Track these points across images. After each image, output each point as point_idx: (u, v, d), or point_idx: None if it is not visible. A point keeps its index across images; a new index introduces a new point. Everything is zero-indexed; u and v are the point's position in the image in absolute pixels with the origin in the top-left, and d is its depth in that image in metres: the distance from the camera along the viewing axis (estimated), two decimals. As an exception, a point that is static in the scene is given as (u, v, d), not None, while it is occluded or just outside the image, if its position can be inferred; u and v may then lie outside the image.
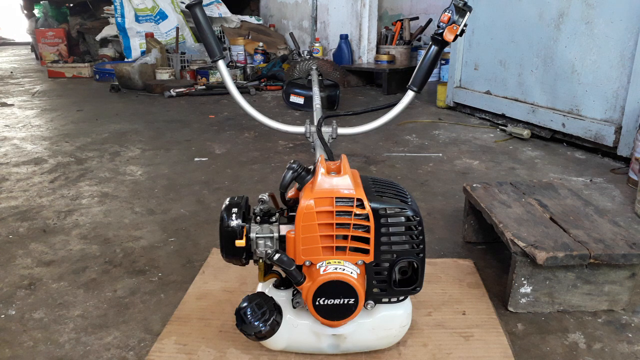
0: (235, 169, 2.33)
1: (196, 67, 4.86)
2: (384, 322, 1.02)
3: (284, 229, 0.98)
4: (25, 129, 3.15)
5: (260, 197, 1.00)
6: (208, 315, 1.18)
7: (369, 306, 0.99)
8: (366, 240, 0.94)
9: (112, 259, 1.50)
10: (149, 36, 5.14)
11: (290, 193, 1.02)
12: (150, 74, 4.58)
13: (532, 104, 2.88)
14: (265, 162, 2.43)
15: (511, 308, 1.23)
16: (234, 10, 6.09)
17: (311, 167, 1.00)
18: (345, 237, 0.94)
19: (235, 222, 0.97)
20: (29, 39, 8.18)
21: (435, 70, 4.67)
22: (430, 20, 4.98)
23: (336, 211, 0.92)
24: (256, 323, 0.95)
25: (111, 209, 1.86)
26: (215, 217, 1.69)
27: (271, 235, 0.98)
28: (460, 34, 1.12)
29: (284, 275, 1.03)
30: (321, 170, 0.94)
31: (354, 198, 0.92)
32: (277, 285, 1.04)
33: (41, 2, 6.83)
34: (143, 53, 5.18)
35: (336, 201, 0.92)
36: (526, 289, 1.20)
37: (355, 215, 0.92)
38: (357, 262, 0.95)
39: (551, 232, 1.23)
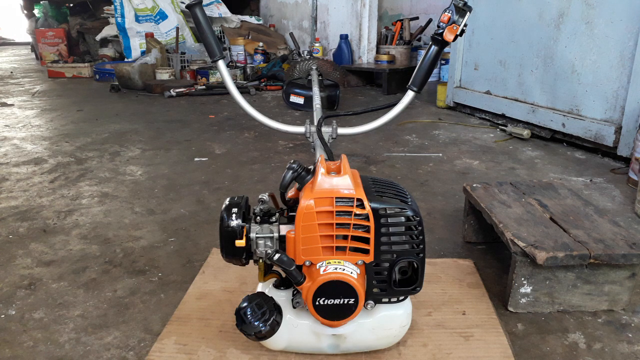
0: (235, 169, 2.33)
1: (196, 67, 4.86)
2: (384, 322, 1.02)
3: (284, 229, 0.97)
4: (25, 129, 3.15)
5: (260, 197, 1.00)
6: (208, 315, 1.18)
7: (369, 306, 0.99)
8: (366, 240, 0.94)
9: (112, 259, 1.50)
10: (149, 36, 5.14)
11: (290, 193, 1.02)
12: (150, 74, 4.59)
13: (532, 104, 2.88)
14: (265, 162, 2.43)
15: (511, 308, 1.23)
16: (234, 10, 6.09)
17: (311, 167, 1.00)
18: (345, 237, 0.94)
19: (235, 222, 0.97)
20: (29, 39, 8.18)
21: (435, 70, 4.68)
22: (430, 20, 4.98)
23: (336, 211, 0.92)
24: (256, 323, 0.95)
25: (111, 209, 1.86)
26: (215, 217, 1.70)
27: (271, 235, 0.98)
28: (460, 34, 1.12)
29: (284, 275, 1.03)
30: (321, 170, 0.94)
31: (354, 198, 0.92)
32: (277, 285, 1.04)
33: (41, 2, 6.84)
34: (143, 53, 5.19)
35: (336, 201, 0.92)
36: (526, 289, 1.20)
37: (355, 215, 0.92)
38: (357, 262, 0.95)
39: (551, 232, 1.23)
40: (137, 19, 5.44)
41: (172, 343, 1.09)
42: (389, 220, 0.94)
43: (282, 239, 0.98)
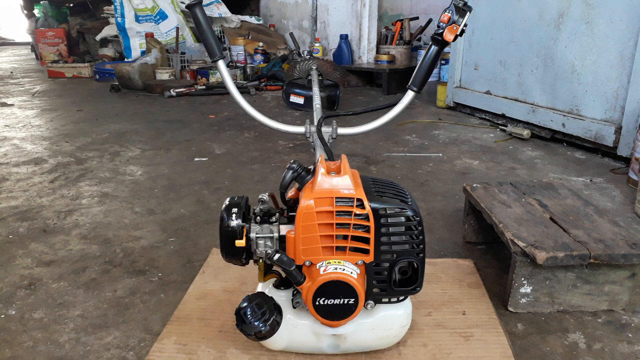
0: (235, 169, 2.33)
1: (196, 67, 4.86)
2: (384, 322, 1.02)
3: (284, 229, 0.97)
4: (25, 129, 3.15)
5: (260, 197, 1.00)
6: (208, 315, 1.18)
7: (369, 306, 0.99)
8: (366, 240, 0.94)
9: (112, 259, 1.50)
10: (149, 36, 5.14)
11: (290, 193, 1.02)
12: (150, 74, 4.58)
13: (532, 104, 2.88)
14: (265, 162, 2.43)
15: (511, 308, 1.23)
16: (234, 10, 6.10)
17: (311, 167, 1.00)
18: (345, 237, 0.94)
19: (235, 222, 0.97)
20: (29, 39, 8.19)
21: (435, 70, 4.68)
22: (430, 20, 4.98)
23: (336, 211, 0.92)
24: (256, 323, 0.95)
25: (111, 209, 1.86)
26: (215, 217, 1.69)
27: (271, 235, 0.98)
28: (460, 34, 1.12)
29: (284, 275, 1.03)
30: (321, 170, 0.94)
31: (354, 198, 0.92)
32: (277, 285, 1.04)
33: (41, 2, 6.84)
34: (143, 53, 5.19)
35: (336, 201, 0.92)
36: (526, 289, 1.20)
37: (355, 215, 0.92)
38: (357, 262, 0.95)
39: (551, 232, 1.23)
40: (137, 19, 5.44)
41: (172, 343, 1.09)
42: (389, 220, 0.94)
43: (282, 239, 0.98)
